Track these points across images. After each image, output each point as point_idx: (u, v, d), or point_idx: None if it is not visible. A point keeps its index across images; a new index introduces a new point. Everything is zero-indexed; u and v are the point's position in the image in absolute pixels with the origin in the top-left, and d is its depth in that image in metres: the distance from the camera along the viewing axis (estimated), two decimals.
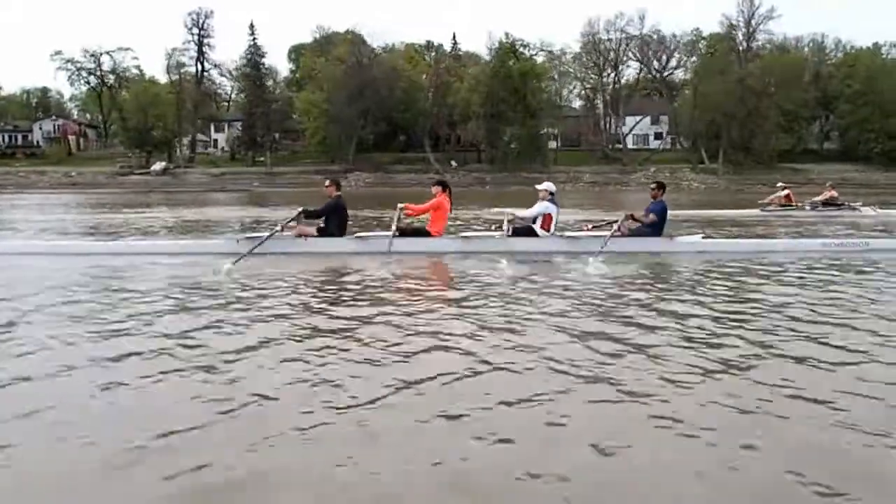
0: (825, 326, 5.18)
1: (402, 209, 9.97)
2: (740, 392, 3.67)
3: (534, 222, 10.05)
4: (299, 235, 9.63)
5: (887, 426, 3.20)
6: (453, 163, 69.00)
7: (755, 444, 3.01)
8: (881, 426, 3.20)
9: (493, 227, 10.57)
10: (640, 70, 74.47)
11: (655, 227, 10.20)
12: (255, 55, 70.75)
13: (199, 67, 73.27)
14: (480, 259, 8.88)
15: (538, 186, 10.47)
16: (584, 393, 3.69)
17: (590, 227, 10.93)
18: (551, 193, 10.23)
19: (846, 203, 19.68)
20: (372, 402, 3.53)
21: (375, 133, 66.81)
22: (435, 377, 3.91)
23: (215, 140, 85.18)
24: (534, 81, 62.49)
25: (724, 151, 64.60)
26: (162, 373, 3.98)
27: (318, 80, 66.74)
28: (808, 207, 19.45)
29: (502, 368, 4.13)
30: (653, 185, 10.81)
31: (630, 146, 77.47)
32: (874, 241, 10.65)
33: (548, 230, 10.03)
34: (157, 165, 65.03)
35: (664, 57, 74.30)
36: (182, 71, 73.62)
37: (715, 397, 3.59)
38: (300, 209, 9.80)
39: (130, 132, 68.23)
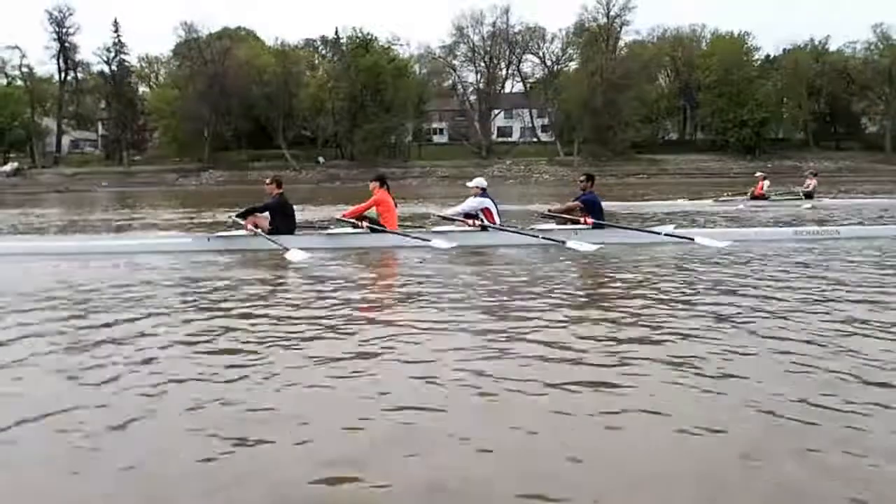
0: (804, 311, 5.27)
1: (340, 219, 9.98)
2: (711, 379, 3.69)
3: (474, 216, 9.96)
4: (254, 226, 9.42)
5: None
6: (321, 159, 68.27)
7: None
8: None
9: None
10: (508, 64, 74.12)
11: (597, 218, 10.01)
12: (117, 53, 69.42)
13: (63, 65, 71.53)
14: (437, 251, 8.93)
15: (468, 184, 10.37)
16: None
17: (551, 209, 10.87)
18: (482, 189, 10.11)
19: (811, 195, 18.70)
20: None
21: (237, 130, 65.95)
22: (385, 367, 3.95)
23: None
24: (387, 77, 61.88)
25: (579, 143, 64.88)
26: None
27: (173, 77, 65.80)
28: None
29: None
30: (581, 178, 10.62)
31: (518, 139, 77.53)
32: (845, 228, 10.93)
33: (493, 223, 9.96)
34: (8, 166, 63.43)
35: (538, 50, 74.36)
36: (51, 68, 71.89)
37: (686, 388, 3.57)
38: (243, 209, 9.68)
39: None
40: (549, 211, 10.82)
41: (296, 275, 7.55)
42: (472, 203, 10.05)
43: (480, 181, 10.33)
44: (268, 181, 9.99)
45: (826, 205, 18.20)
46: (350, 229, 9.78)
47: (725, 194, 19.64)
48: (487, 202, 10.02)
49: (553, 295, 6.03)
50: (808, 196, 18.67)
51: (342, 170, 62.80)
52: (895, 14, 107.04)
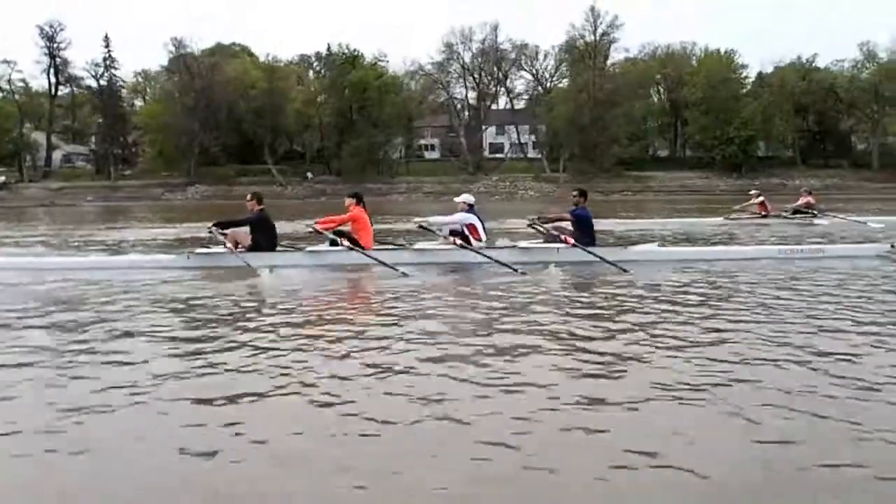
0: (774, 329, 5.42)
1: (312, 227, 9.92)
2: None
3: (459, 233, 9.91)
4: (234, 243, 9.45)
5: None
6: (309, 174, 68.34)
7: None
8: None
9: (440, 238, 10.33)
10: (497, 81, 73.97)
11: (587, 234, 9.99)
12: (107, 68, 69.67)
13: (54, 80, 71.83)
14: (414, 269, 8.91)
15: (456, 199, 10.45)
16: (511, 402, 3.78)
17: (542, 217, 10.87)
18: (470, 205, 10.17)
19: (818, 212, 18.35)
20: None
21: (225, 146, 66.08)
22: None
23: None
24: (373, 93, 62.05)
25: (565, 160, 64.94)
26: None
27: (161, 92, 66.17)
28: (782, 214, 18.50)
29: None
30: (574, 193, 10.57)
31: (506, 155, 77.38)
32: (829, 247, 10.85)
33: (479, 240, 9.96)
34: None
35: (529, 67, 74.38)
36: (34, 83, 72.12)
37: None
38: (223, 220, 9.80)
39: None
40: (538, 219, 10.77)
41: (269, 293, 7.68)
42: (458, 217, 10.08)
43: (468, 197, 10.41)
44: (248, 197, 9.98)
45: (834, 222, 17.65)
46: (328, 246, 9.76)
47: (735, 213, 19.29)
48: (473, 218, 10.07)
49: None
50: (812, 213, 18.34)
51: (329, 185, 62.78)
52: (883, 31, 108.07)
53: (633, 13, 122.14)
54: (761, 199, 18.75)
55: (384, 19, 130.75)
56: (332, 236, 9.76)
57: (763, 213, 18.44)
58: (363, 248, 9.66)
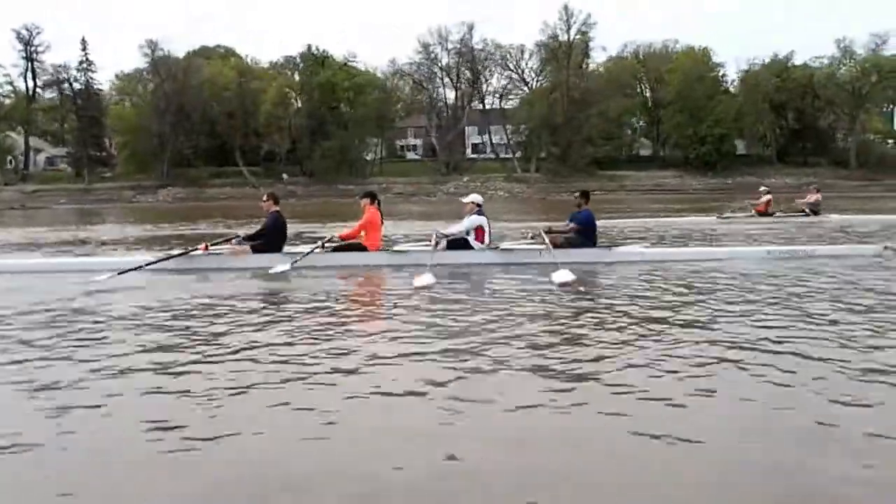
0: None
1: (334, 238, 9.75)
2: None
3: (467, 234, 9.70)
4: (233, 255, 9.37)
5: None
6: (285, 176, 68.38)
7: None
8: None
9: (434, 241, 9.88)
10: (471, 81, 73.64)
11: (588, 237, 9.85)
12: (84, 71, 69.95)
13: (33, 84, 72.30)
14: (414, 273, 8.50)
15: (464, 199, 10.13)
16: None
17: (530, 235, 10.48)
18: (478, 205, 9.84)
19: (808, 211, 18.14)
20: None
21: (197, 148, 66.26)
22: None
23: None
24: (343, 93, 62.06)
25: (538, 160, 64.66)
26: None
27: (134, 94, 66.46)
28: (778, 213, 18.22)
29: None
30: (575, 195, 10.36)
31: (480, 155, 77.21)
32: (821, 248, 10.56)
33: (482, 242, 9.68)
34: None
35: (505, 68, 74.04)
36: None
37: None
38: (239, 236, 9.65)
39: None
40: (548, 231, 10.07)
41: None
42: (470, 222, 9.72)
43: (476, 197, 10.07)
44: (264, 198, 9.70)
45: (833, 220, 17.40)
46: (316, 248, 9.52)
47: (729, 211, 19.15)
48: (483, 220, 9.77)
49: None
50: (815, 212, 18.06)
51: (299, 186, 62.81)
52: (860, 28, 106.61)
53: (632, 14, 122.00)
54: (769, 197, 18.47)
55: (385, 20, 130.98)
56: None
57: (765, 211, 18.19)
58: (366, 249, 9.53)
